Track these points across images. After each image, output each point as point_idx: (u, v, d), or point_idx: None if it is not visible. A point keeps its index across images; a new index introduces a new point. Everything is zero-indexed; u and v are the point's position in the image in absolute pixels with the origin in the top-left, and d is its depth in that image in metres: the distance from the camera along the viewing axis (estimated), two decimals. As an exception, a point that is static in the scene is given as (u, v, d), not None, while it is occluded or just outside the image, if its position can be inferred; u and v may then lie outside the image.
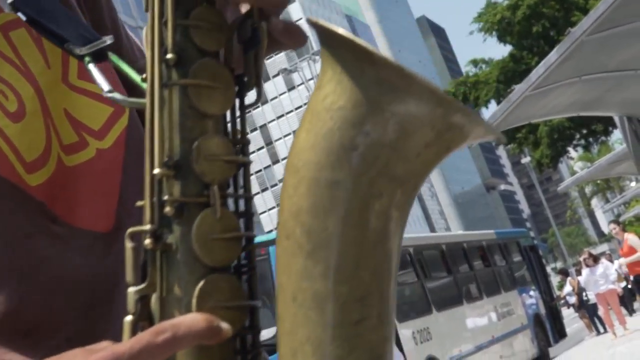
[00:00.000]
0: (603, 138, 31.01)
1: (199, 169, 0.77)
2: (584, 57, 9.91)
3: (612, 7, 9.01)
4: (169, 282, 0.76)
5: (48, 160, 1.02)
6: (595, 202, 79.17)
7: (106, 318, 1.01)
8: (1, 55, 1.02)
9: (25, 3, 0.99)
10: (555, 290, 21.72)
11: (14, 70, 1.03)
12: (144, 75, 0.80)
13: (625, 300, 22.01)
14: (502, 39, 29.08)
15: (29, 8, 0.99)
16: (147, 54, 0.78)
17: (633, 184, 43.73)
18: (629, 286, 19.76)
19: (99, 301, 1.02)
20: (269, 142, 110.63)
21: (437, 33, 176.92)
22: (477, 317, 16.19)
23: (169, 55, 0.78)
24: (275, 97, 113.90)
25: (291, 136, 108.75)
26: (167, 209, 0.75)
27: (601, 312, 17.27)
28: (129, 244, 0.75)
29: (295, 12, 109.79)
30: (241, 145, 0.81)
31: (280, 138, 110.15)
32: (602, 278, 16.47)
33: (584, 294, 20.22)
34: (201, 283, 0.75)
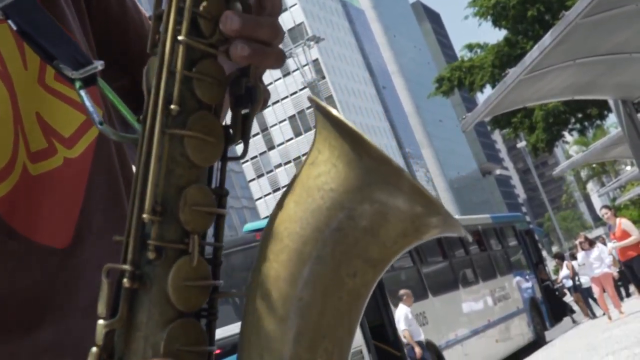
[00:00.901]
0: (598, 122, 30.98)
1: (183, 217, 0.81)
2: (578, 40, 9.90)
3: (606, -11, 9.00)
4: (139, 320, 0.79)
5: (12, 170, 1.00)
6: (590, 186, 79.32)
7: (60, 333, 1.01)
8: None
9: (18, 12, 0.98)
10: (551, 275, 21.75)
11: None
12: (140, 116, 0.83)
13: (622, 283, 22.12)
14: (497, 23, 28.98)
15: (20, 18, 0.98)
16: (149, 98, 0.82)
17: (628, 167, 43.82)
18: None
19: (52, 316, 1.01)
20: (264, 129, 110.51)
21: (432, 18, 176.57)
22: (473, 301, 16.23)
23: (173, 106, 0.81)
24: (271, 83, 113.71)
25: (287, 122, 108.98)
26: (149, 253, 0.79)
27: (596, 295, 17.31)
28: (105, 280, 0.79)
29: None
30: (219, 196, 0.86)
31: (276, 124, 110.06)
32: (597, 261, 16.51)
33: (576, 278, 20.31)
34: (171, 325, 0.79)
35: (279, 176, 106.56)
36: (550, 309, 20.51)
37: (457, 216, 19.53)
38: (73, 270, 1.03)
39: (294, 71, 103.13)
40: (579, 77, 11.54)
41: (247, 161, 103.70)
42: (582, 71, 11.23)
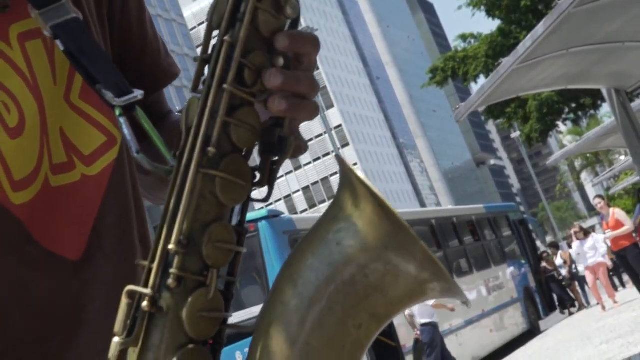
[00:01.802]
0: (592, 112, 31.04)
1: (206, 252, 0.87)
2: (572, 29, 9.88)
3: (599, -22, 8.98)
4: (152, 342, 0.85)
5: (35, 179, 1.04)
6: (584, 176, 79.38)
7: (65, 345, 1.03)
8: (13, 66, 1.04)
9: (69, 36, 1.04)
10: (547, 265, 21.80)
11: (23, 84, 1.05)
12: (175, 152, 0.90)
13: (614, 273, 22.19)
14: (490, 13, 28.98)
15: (71, 42, 1.04)
16: (188, 136, 0.88)
17: (622, 157, 43.87)
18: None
19: (59, 328, 1.04)
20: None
21: (426, 8, 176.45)
22: (468, 291, 16.24)
23: (211, 149, 0.88)
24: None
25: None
26: (170, 281, 0.85)
27: (590, 285, 17.34)
28: (124, 300, 0.84)
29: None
30: (239, 234, 0.91)
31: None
32: (592, 251, 16.54)
33: (574, 266, 20.37)
34: (182, 351, 0.85)
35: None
36: (556, 298, 20.59)
37: (450, 206, 19.52)
38: (84, 284, 1.06)
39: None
40: (573, 66, 11.52)
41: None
42: (576, 60, 11.21)
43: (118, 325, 0.84)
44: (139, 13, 1.28)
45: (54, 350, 1.03)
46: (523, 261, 20.16)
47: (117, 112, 1.01)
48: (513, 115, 29.03)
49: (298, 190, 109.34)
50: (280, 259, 10.57)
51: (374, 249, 0.88)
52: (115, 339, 0.84)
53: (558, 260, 21.96)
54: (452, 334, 14.62)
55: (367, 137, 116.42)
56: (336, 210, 0.91)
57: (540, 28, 9.82)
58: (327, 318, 0.87)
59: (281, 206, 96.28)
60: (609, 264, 17.09)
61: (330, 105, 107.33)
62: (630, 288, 17.80)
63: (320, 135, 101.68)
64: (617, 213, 14.39)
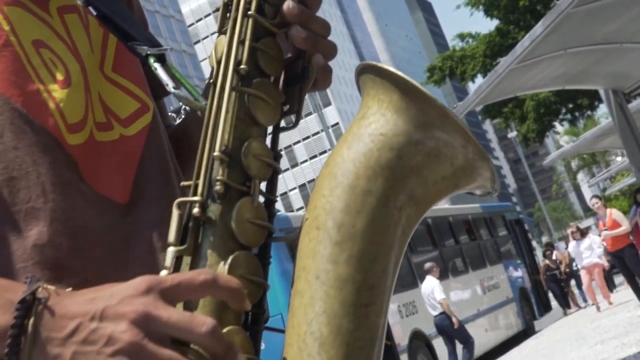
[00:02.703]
0: (589, 112, 31.02)
1: (246, 163, 0.93)
2: (570, 29, 9.87)
3: (598, -21, 8.97)
4: (204, 250, 0.90)
5: (84, 127, 1.10)
6: (581, 177, 79.51)
7: (119, 274, 1.05)
8: (56, 33, 1.12)
9: (100, 2, 1.20)
10: (541, 265, 21.83)
11: (65, 48, 1.12)
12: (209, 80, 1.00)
13: (609, 275, 22.20)
14: (488, 13, 28.94)
15: (103, 5, 1.20)
16: (219, 65, 0.97)
17: (619, 158, 43.93)
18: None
19: (114, 257, 1.08)
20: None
21: (424, 7, 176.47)
22: (463, 290, 16.24)
23: (243, 66, 0.96)
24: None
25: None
26: (217, 187, 0.91)
27: (585, 285, 17.35)
28: (175, 211, 0.90)
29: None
30: (274, 155, 0.98)
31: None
32: (588, 251, 16.54)
33: (573, 264, 20.38)
34: (234, 255, 0.89)
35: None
36: (555, 297, 20.61)
37: (447, 206, 19.52)
38: (131, 226, 1.11)
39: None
40: (570, 66, 11.52)
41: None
42: (574, 61, 11.21)
43: (171, 236, 0.89)
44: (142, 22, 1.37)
45: (113, 277, 1.02)
46: (518, 261, 20.15)
47: (151, 59, 1.14)
48: (510, 115, 29.01)
49: (294, 188, 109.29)
50: (277, 255, 10.56)
51: (405, 132, 0.94)
52: (170, 249, 0.89)
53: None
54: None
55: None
56: (364, 110, 0.98)
57: (538, 28, 9.82)
58: (369, 201, 0.92)
59: (277, 204, 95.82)
60: (605, 264, 17.10)
61: (327, 104, 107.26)
62: (625, 289, 17.82)
63: (317, 133, 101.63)
64: (614, 213, 14.37)
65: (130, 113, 1.19)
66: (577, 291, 22.05)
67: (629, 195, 39.13)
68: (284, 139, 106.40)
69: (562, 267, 21.01)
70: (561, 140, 69.90)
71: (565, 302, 21.03)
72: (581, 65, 11.51)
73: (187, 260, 0.90)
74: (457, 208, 19.67)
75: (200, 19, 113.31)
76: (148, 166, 1.17)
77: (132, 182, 1.14)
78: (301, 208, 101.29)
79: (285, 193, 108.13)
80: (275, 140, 1.02)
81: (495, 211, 20.68)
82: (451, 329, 13.14)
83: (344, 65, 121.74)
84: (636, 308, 13.93)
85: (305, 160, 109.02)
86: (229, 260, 0.89)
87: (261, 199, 0.98)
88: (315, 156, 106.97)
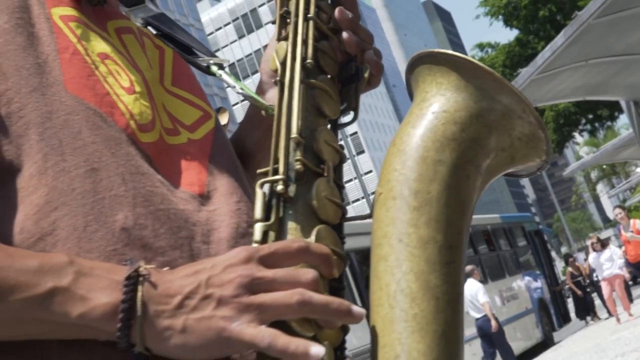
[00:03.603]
0: (609, 123, 30.90)
1: (318, 148, 1.02)
2: (591, 40, 9.86)
3: (619, -10, 8.93)
4: (288, 226, 0.97)
5: (154, 129, 1.14)
6: (600, 188, 79.00)
7: (204, 256, 1.09)
8: (116, 49, 1.17)
9: (161, 21, 1.32)
10: (560, 276, 21.69)
11: (126, 61, 1.17)
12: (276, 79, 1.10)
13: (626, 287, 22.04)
14: (508, 23, 28.92)
15: (164, 25, 1.32)
16: (283, 63, 1.08)
17: (639, 169, 43.63)
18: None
19: (197, 239, 1.11)
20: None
21: (443, 17, 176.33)
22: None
23: (309, 61, 1.07)
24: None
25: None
26: (297, 167, 0.99)
27: (605, 296, 17.22)
28: (259, 190, 0.98)
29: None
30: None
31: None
32: (609, 262, 16.43)
33: (594, 275, 20.22)
34: (318, 227, 0.97)
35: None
36: (576, 305, 20.45)
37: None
38: (211, 212, 1.15)
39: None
40: (591, 77, 11.49)
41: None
42: (595, 72, 11.18)
43: (257, 213, 0.96)
44: None
45: (195, 260, 1.08)
46: (538, 272, 20.05)
47: (215, 67, 1.26)
48: (530, 125, 28.89)
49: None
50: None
51: (466, 107, 1.03)
52: (258, 224, 0.96)
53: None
54: (465, 344, 14.50)
55: (383, 144, 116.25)
56: (422, 94, 1.07)
57: (559, 39, 9.81)
58: (440, 169, 1.01)
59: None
60: (627, 275, 16.97)
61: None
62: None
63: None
64: (637, 223, 14.28)
65: (193, 121, 1.24)
66: (597, 302, 21.87)
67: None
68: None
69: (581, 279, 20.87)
70: (581, 151, 69.53)
71: (592, 309, 20.82)
72: (602, 76, 11.48)
73: (272, 235, 0.96)
74: (477, 218, 19.62)
75: (220, 28, 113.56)
76: (218, 164, 1.21)
77: (205, 178, 1.18)
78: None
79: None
80: (335, 135, 1.10)
81: (515, 222, 20.60)
82: (493, 333, 13.23)
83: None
84: (657, 320, 13.82)
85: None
86: (315, 232, 0.96)
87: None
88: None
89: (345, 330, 0.97)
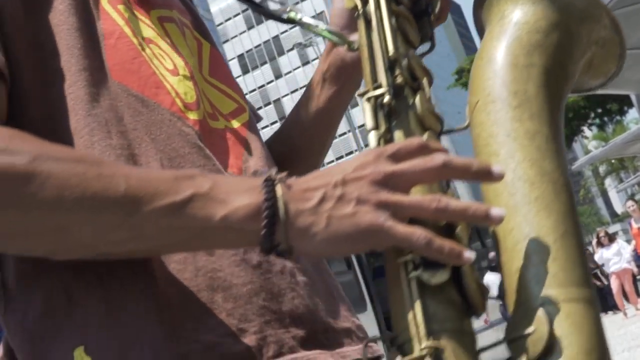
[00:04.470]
0: (618, 117, 30.83)
1: (412, 66, 1.05)
2: (603, 34, 9.80)
3: (632, -17, 8.89)
4: (397, 132, 1.00)
5: (199, 108, 1.17)
6: (608, 182, 78.84)
7: None
8: (159, 35, 1.20)
9: None
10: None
11: (169, 47, 1.20)
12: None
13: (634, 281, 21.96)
14: (518, 15, 28.79)
15: None
16: (372, 0, 1.10)
17: (647, 164, 43.50)
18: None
19: None
20: (282, 117, 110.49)
21: (453, 9, 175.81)
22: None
23: None
24: (290, 72, 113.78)
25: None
26: (399, 80, 1.02)
27: (614, 290, 17.18)
28: (367, 103, 1.01)
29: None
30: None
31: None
32: (617, 256, 16.40)
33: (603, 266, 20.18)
34: (426, 133, 1.01)
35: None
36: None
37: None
38: None
39: (313, 60, 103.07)
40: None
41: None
42: (605, 65, 11.13)
43: (369, 123, 1.00)
44: None
45: None
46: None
47: (292, 14, 1.26)
48: (538, 118, 28.89)
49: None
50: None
51: (545, 17, 1.09)
52: (372, 132, 0.99)
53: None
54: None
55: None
56: (499, 15, 1.12)
57: (570, 32, 9.76)
58: (532, 72, 1.06)
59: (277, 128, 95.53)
60: (635, 269, 16.94)
61: (354, 104, 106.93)
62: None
63: (344, 134, 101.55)
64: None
65: (230, 111, 1.27)
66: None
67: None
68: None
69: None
70: (589, 145, 69.34)
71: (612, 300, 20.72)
72: (613, 70, 11.42)
73: (383, 143, 0.99)
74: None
75: (230, 19, 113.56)
76: (252, 154, 1.24)
77: (242, 164, 1.21)
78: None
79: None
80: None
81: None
82: None
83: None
84: (664, 315, 13.79)
85: (332, 161, 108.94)
86: (425, 136, 1.00)
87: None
88: (341, 157, 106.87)
89: None
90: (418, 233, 0.87)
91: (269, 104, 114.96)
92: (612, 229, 74.76)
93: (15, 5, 1.08)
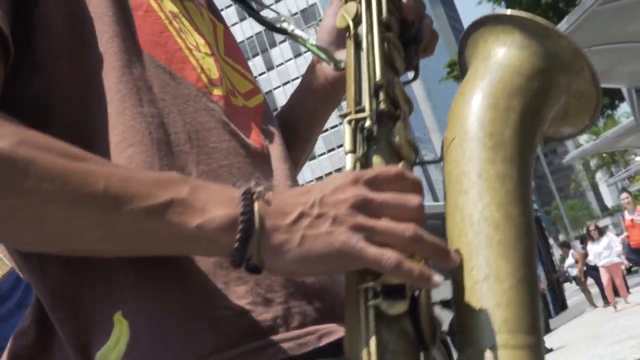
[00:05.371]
0: (609, 111, 30.87)
1: (395, 94, 1.07)
2: (594, 27, 9.83)
3: (624, -23, 8.90)
4: (374, 158, 1.02)
5: (222, 85, 1.19)
6: (599, 176, 79.04)
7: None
8: (182, 12, 1.22)
9: None
10: (557, 263, 21.71)
11: (190, 25, 1.22)
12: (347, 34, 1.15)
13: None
14: (510, 9, 28.79)
15: None
16: (355, 20, 1.14)
17: (638, 158, 43.64)
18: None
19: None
20: (274, 109, 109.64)
21: (445, 2, 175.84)
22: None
23: (385, 15, 1.14)
24: (282, 64, 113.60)
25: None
26: (383, 106, 1.04)
27: (604, 284, 17.24)
28: (347, 126, 1.03)
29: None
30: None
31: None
32: (607, 250, 16.45)
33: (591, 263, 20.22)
34: (401, 163, 1.02)
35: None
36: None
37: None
38: (270, 172, 1.20)
39: (305, 52, 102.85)
40: (594, 65, 11.46)
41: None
42: (597, 59, 11.14)
43: (347, 145, 1.01)
44: None
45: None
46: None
47: (285, 24, 1.36)
48: (530, 112, 28.91)
49: (311, 181, 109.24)
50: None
51: (529, 61, 1.12)
52: (349, 155, 1.01)
53: (569, 260, 21.86)
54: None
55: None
56: (485, 54, 1.15)
57: (562, 25, 9.78)
58: (511, 115, 1.09)
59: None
60: (625, 263, 16.99)
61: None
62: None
63: (336, 126, 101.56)
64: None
65: (246, 91, 1.29)
66: (593, 290, 21.89)
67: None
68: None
69: (579, 266, 20.87)
70: (580, 138, 69.50)
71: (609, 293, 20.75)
72: (604, 64, 11.45)
73: (359, 167, 1.01)
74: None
75: (222, 10, 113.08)
76: (269, 132, 1.27)
77: (262, 140, 1.23)
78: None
79: (303, 186, 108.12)
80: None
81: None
82: None
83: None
84: (653, 309, 13.86)
85: (323, 153, 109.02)
86: (400, 165, 1.02)
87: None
88: (333, 149, 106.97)
89: None
90: (388, 255, 0.87)
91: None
92: (602, 222, 74.93)
93: None
